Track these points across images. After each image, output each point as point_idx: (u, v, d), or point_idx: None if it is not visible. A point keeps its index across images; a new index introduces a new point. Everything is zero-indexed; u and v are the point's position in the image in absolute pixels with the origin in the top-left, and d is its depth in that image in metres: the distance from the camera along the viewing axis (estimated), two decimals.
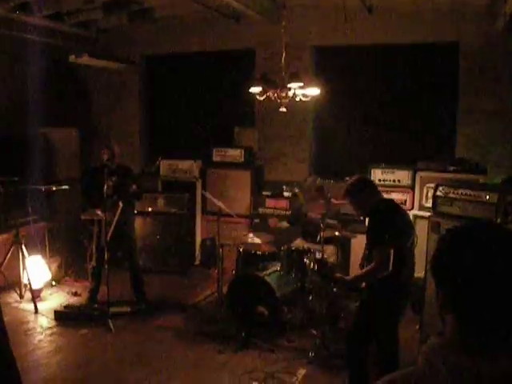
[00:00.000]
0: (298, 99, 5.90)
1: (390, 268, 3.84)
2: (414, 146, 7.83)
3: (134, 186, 6.42)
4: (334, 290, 5.62)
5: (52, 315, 6.19)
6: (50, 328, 5.94)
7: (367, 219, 4.65)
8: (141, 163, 9.39)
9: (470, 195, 5.17)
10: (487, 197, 5.03)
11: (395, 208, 4.27)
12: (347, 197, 4.34)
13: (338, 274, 4.59)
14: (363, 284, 4.27)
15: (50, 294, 7.01)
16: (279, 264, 6.03)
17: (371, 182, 4.47)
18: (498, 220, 4.98)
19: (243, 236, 6.64)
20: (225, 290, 6.11)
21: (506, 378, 1.25)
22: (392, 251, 3.85)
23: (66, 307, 6.38)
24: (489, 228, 1.43)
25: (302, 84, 5.69)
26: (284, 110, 5.84)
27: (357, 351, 4.21)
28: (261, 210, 7.88)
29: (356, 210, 4.41)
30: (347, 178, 7.56)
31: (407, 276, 4.11)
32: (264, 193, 8.03)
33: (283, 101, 5.85)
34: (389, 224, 4.00)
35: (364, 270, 4.12)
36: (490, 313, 1.33)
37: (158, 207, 8.06)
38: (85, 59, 7.59)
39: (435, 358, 1.33)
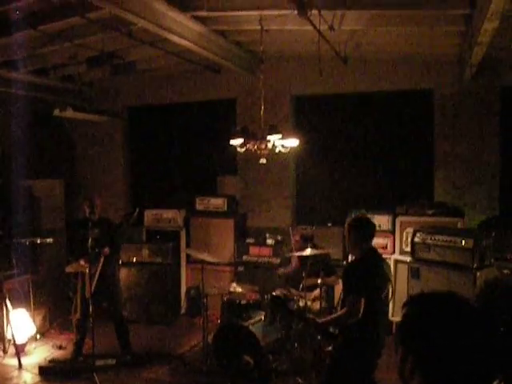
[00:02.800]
0: (277, 150, 6.05)
1: (359, 316, 3.96)
2: (394, 191, 8.00)
3: (107, 250, 6.40)
4: (318, 337, 5.67)
5: (37, 370, 6.14)
6: None
7: (348, 261, 4.75)
8: (124, 213, 9.45)
9: (447, 241, 5.33)
10: (463, 242, 5.18)
11: (378, 260, 4.39)
12: (348, 227, 4.41)
13: (311, 316, 4.68)
14: (335, 331, 4.36)
15: (35, 348, 6.94)
16: (263, 313, 6.08)
17: (373, 226, 4.51)
18: (475, 265, 5.12)
19: (227, 285, 6.70)
20: (210, 339, 6.12)
21: None
22: (364, 302, 3.97)
23: (50, 361, 6.36)
24: (450, 297, 1.54)
25: (280, 136, 5.85)
26: (264, 161, 5.99)
27: None
28: (245, 258, 7.96)
29: (349, 244, 4.49)
30: (329, 224, 7.76)
31: (378, 325, 4.20)
32: (247, 240, 8.13)
33: (263, 152, 6.00)
34: (367, 277, 4.12)
35: (335, 315, 4.28)
36: (457, 378, 1.43)
37: (143, 257, 8.10)
38: (69, 113, 7.71)
39: None
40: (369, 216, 7.05)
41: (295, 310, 5.03)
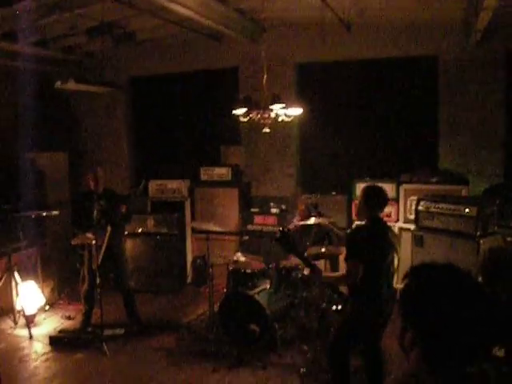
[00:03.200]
0: (280, 119, 6.02)
1: (356, 280, 4.07)
2: (398, 159, 7.98)
3: (124, 208, 6.51)
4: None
5: (47, 340, 6.25)
6: (45, 354, 5.99)
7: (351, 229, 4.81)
8: (130, 184, 9.49)
9: (451, 209, 5.33)
10: (467, 210, 5.19)
11: (382, 228, 4.41)
12: (362, 193, 4.50)
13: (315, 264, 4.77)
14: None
15: (44, 319, 7.06)
16: (269, 281, 6.14)
17: (385, 199, 4.52)
18: (478, 232, 5.13)
19: (232, 255, 6.76)
20: (216, 308, 6.20)
21: None
22: (363, 267, 4.03)
23: (60, 332, 6.46)
24: (450, 269, 1.56)
25: (283, 105, 5.81)
26: (267, 130, 5.96)
27: (338, 358, 4.38)
28: (250, 227, 8.00)
29: (358, 212, 4.65)
30: (333, 193, 7.77)
31: (382, 291, 4.25)
32: (252, 210, 8.16)
33: (266, 121, 5.97)
34: (367, 243, 4.18)
35: (335, 274, 4.38)
36: (456, 352, 1.45)
37: (148, 228, 8.16)
38: (70, 85, 7.66)
39: None
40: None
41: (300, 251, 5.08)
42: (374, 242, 4.26)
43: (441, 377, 1.47)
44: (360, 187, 7.25)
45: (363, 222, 4.49)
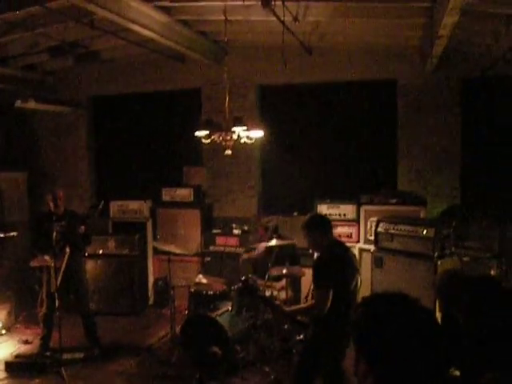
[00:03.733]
0: (242, 141, 6.06)
1: (325, 310, 4.03)
2: (358, 181, 8.12)
3: (83, 228, 6.41)
4: (286, 326, 5.77)
5: (2, 366, 6.07)
6: (0, 380, 5.83)
7: (315, 256, 4.80)
8: (90, 204, 9.36)
9: (409, 231, 5.45)
10: (424, 232, 5.31)
11: (342, 252, 4.44)
12: (303, 230, 4.48)
13: (277, 302, 4.76)
14: (305, 320, 4.44)
15: (0, 343, 6.88)
16: (230, 303, 6.13)
17: (328, 221, 4.57)
18: (436, 253, 5.25)
19: (194, 276, 6.74)
20: (178, 330, 6.15)
21: None
22: (332, 294, 4.03)
23: (16, 357, 6.29)
24: (403, 300, 1.60)
25: (245, 127, 5.86)
26: (229, 152, 5.99)
27: None
28: (211, 248, 7.99)
29: (310, 245, 4.57)
30: (295, 213, 7.84)
31: (348, 316, 4.28)
32: (214, 231, 8.16)
33: (228, 144, 6.00)
34: (333, 270, 4.17)
35: (302, 306, 4.37)
36: (408, 378, 1.49)
37: (109, 249, 8.05)
38: (30, 104, 7.60)
39: None
40: (334, 205, 7.28)
41: (263, 296, 5.09)
42: (340, 268, 4.27)
43: None
44: (321, 208, 7.36)
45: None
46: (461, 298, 3.13)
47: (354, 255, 4.67)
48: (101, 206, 6.37)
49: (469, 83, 7.57)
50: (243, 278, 5.71)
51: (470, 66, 7.31)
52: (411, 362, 1.47)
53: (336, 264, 4.23)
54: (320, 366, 4.35)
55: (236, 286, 6.12)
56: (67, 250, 6.17)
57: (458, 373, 3.42)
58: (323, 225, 4.46)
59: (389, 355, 1.48)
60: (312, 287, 4.46)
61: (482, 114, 7.54)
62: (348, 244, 6.81)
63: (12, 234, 7.27)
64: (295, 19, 5.96)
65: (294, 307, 4.54)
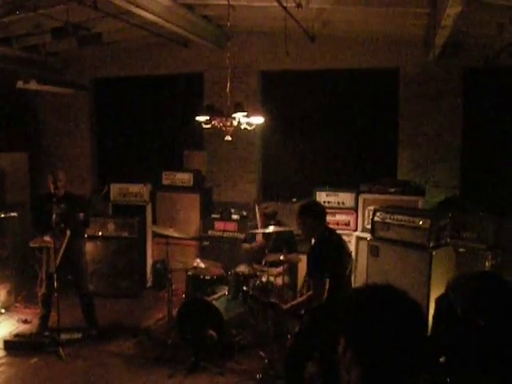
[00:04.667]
0: (242, 127, 6.08)
1: (324, 298, 4.06)
2: (358, 169, 8.14)
3: (82, 215, 6.46)
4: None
5: (1, 345, 6.16)
6: None
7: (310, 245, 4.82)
8: (92, 186, 9.42)
9: (405, 220, 5.48)
10: (420, 222, 5.34)
11: (337, 239, 4.48)
12: (298, 216, 4.51)
13: (275, 300, 4.80)
14: (302, 311, 4.48)
15: (0, 322, 6.97)
16: (227, 288, 6.20)
17: (323, 209, 4.61)
18: (431, 244, 5.28)
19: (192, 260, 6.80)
20: (175, 313, 6.23)
21: None
22: (328, 281, 4.07)
23: (15, 336, 6.37)
24: (391, 291, 1.64)
25: (245, 113, 5.87)
26: (229, 138, 6.00)
27: (295, 369, 4.43)
28: (210, 233, 8.05)
29: (303, 232, 4.60)
30: (294, 200, 7.87)
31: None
32: (213, 215, 8.20)
33: (228, 129, 6.02)
34: (328, 256, 4.22)
35: (300, 299, 4.41)
36: (395, 369, 1.53)
37: (109, 231, 8.10)
38: (32, 85, 7.59)
39: None
40: (333, 193, 7.31)
41: (263, 300, 5.17)
42: (337, 255, 4.32)
43: None
44: (320, 195, 7.39)
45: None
46: (462, 295, 3.15)
47: (345, 242, 4.68)
48: (105, 191, 6.38)
49: (471, 73, 7.56)
50: (245, 289, 5.76)
51: (473, 55, 7.30)
52: (398, 352, 1.51)
53: (332, 251, 4.27)
54: (312, 352, 4.43)
55: (233, 270, 6.19)
56: (68, 232, 6.23)
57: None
58: (318, 212, 4.49)
59: (376, 345, 1.52)
60: (306, 278, 4.51)
61: (485, 104, 7.53)
62: (346, 232, 6.97)
63: (13, 214, 7.31)
64: (298, 5, 5.94)
65: (293, 302, 4.56)
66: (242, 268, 6.47)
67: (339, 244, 4.46)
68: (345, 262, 4.37)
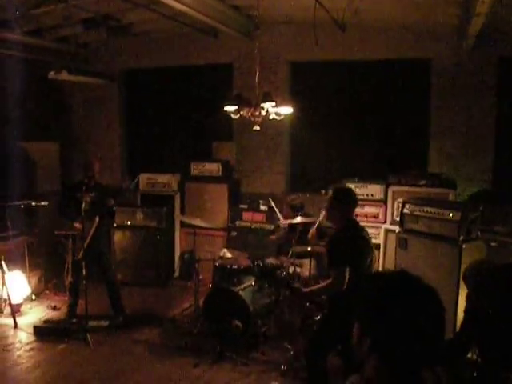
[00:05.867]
0: (271, 117, 6.04)
1: (343, 287, 4.02)
2: (388, 161, 8.01)
3: (113, 201, 6.54)
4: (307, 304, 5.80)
5: (31, 330, 6.28)
6: (29, 343, 6.02)
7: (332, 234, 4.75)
8: (122, 176, 9.49)
9: (435, 213, 5.37)
10: (451, 215, 5.23)
11: (359, 230, 4.42)
12: (329, 201, 4.43)
13: (297, 284, 4.77)
14: (322, 297, 4.45)
15: (30, 309, 7.10)
16: (254, 278, 6.18)
17: (355, 199, 4.52)
18: (461, 237, 5.17)
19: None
20: (201, 303, 6.24)
21: None
22: (349, 270, 4.03)
23: (45, 322, 6.50)
24: (406, 277, 1.60)
25: (274, 103, 5.83)
26: (258, 128, 5.98)
27: (317, 360, 4.39)
28: (238, 223, 8.05)
29: (330, 217, 4.52)
30: (323, 191, 7.80)
31: None
32: (241, 206, 8.20)
33: (256, 119, 5.99)
34: (349, 247, 4.16)
35: (319, 286, 4.36)
36: (412, 356, 1.50)
37: (137, 221, 8.18)
38: (63, 75, 7.68)
39: None
40: (362, 185, 7.21)
41: (283, 279, 5.14)
42: (357, 246, 4.25)
43: (398, 381, 1.51)
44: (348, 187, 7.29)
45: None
46: (490, 287, 3.09)
47: (368, 234, 4.59)
48: (135, 182, 6.43)
49: (507, 63, 7.34)
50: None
51: (508, 45, 7.09)
52: (415, 338, 1.48)
53: (354, 243, 4.22)
54: (333, 343, 4.39)
55: (260, 261, 6.17)
56: (96, 219, 6.30)
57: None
58: (350, 200, 4.42)
59: (392, 332, 1.49)
60: (327, 266, 4.46)
61: None
62: (374, 224, 6.88)
63: (43, 202, 7.42)
64: None
65: (313, 287, 4.52)
66: (270, 260, 6.44)
67: (361, 235, 4.38)
68: (365, 253, 4.30)
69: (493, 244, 5.76)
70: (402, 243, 5.71)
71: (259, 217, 7.93)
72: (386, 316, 1.50)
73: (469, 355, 3.49)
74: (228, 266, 6.42)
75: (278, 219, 6.84)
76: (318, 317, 5.66)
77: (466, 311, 3.60)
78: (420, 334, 1.48)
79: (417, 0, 6.47)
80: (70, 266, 6.58)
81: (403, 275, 1.60)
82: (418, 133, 7.96)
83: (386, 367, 1.52)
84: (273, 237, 7.10)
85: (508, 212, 6.03)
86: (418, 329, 1.48)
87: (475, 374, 2.99)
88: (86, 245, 6.18)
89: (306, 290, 4.53)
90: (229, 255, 6.58)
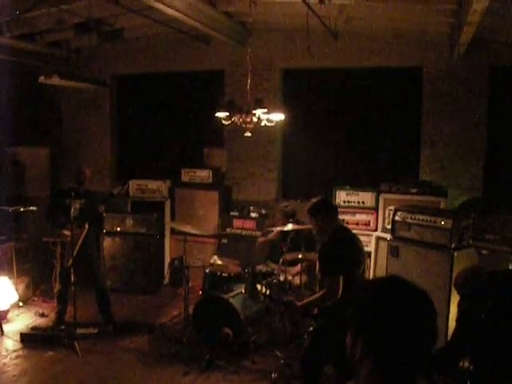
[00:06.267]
0: (262, 124, 6.02)
1: (338, 296, 3.98)
2: (379, 168, 8.02)
3: (103, 207, 6.50)
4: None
5: (18, 337, 6.18)
6: (15, 351, 5.92)
7: (322, 243, 4.73)
8: (111, 182, 9.43)
9: (427, 221, 5.36)
10: (442, 222, 5.22)
11: (350, 237, 4.40)
12: (308, 216, 4.43)
13: (290, 298, 4.73)
14: (315, 310, 4.40)
15: (17, 315, 7.00)
16: (244, 286, 6.13)
17: (334, 206, 4.56)
18: (453, 245, 5.16)
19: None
20: (192, 310, 6.18)
21: None
22: (342, 279, 3.99)
23: (32, 329, 6.41)
24: (399, 282, 1.58)
25: (266, 110, 5.81)
26: (249, 135, 5.95)
27: (313, 370, 4.34)
28: (228, 230, 8.01)
29: (316, 230, 4.51)
30: (313, 199, 7.77)
31: None
32: (232, 213, 8.16)
33: (248, 126, 5.97)
34: (342, 254, 4.14)
35: (314, 297, 4.32)
36: (405, 361, 1.48)
37: (127, 227, 8.11)
38: (54, 80, 7.61)
39: None
40: (353, 192, 7.21)
41: (276, 298, 5.11)
42: (350, 252, 4.23)
43: None
44: (340, 194, 7.29)
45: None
46: (485, 295, 3.07)
47: (359, 240, 4.57)
48: (126, 186, 6.38)
49: (497, 72, 7.38)
50: (259, 287, 5.69)
51: (499, 54, 7.14)
52: (409, 343, 1.46)
53: (345, 249, 4.19)
54: (329, 352, 4.33)
55: (250, 268, 6.13)
56: (86, 226, 6.24)
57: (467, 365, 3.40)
58: (329, 209, 4.41)
59: (387, 338, 1.47)
60: (319, 276, 4.42)
61: (510, 104, 7.35)
62: (366, 232, 6.87)
63: (32, 208, 7.35)
64: (321, 1, 5.86)
65: (307, 300, 4.47)
66: (260, 267, 6.40)
67: (352, 242, 4.36)
68: (358, 259, 4.28)
69: (484, 252, 5.76)
70: (394, 251, 5.70)
71: (250, 224, 7.90)
72: (378, 318, 1.49)
73: (461, 364, 3.47)
74: (218, 273, 6.38)
75: (272, 225, 6.79)
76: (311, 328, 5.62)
77: (458, 320, 3.58)
78: (413, 337, 1.47)
79: (409, 8, 6.49)
80: (58, 273, 6.50)
81: (395, 279, 1.60)
82: (410, 140, 7.97)
83: (379, 372, 1.50)
84: (261, 239, 7.03)
85: (499, 220, 6.03)
86: (410, 331, 1.47)
87: (468, 383, 2.96)
88: (75, 252, 6.11)
89: (301, 303, 4.49)
90: (219, 262, 6.54)
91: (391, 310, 1.49)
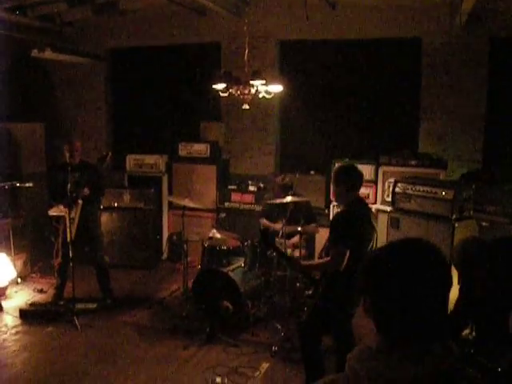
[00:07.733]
0: (261, 96, 5.94)
1: (341, 268, 3.95)
2: (378, 141, 7.93)
3: (88, 191, 6.32)
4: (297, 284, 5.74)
5: (17, 313, 6.17)
6: (14, 327, 5.92)
7: (335, 211, 4.66)
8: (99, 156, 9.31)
9: (427, 192, 5.32)
10: (443, 193, 5.18)
11: (364, 213, 4.31)
12: (334, 178, 4.32)
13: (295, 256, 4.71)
14: (316, 275, 4.37)
15: (16, 292, 6.98)
16: (243, 259, 6.11)
17: (361, 177, 4.36)
18: (454, 216, 5.13)
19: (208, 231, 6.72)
20: (191, 284, 6.16)
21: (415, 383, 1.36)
22: (349, 252, 3.94)
23: (31, 305, 6.39)
24: (411, 245, 1.53)
25: (264, 81, 5.73)
26: (247, 107, 5.88)
27: (310, 341, 4.34)
28: (226, 204, 7.97)
29: (335, 195, 4.44)
30: (312, 172, 7.74)
31: None
32: (230, 187, 8.11)
33: (246, 97, 5.88)
34: (353, 228, 4.06)
35: (318, 262, 4.31)
36: (409, 324, 1.43)
37: (125, 202, 8.06)
38: (47, 54, 7.48)
39: (358, 365, 1.44)
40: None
41: (283, 252, 5.05)
42: (360, 227, 4.13)
43: (400, 351, 1.44)
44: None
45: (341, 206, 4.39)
46: (485, 261, 3.03)
47: (374, 214, 4.52)
48: (108, 157, 6.23)
49: (498, 43, 7.26)
50: (263, 228, 5.65)
51: (500, 24, 7.00)
52: (410, 309, 1.42)
53: (357, 222, 4.11)
54: (328, 324, 4.32)
55: (249, 242, 6.10)
56: (79, 201, 6.16)
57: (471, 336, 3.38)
58: (357, 177, 4.30)
59: (387, 300, 1.43)
60: (327, 244, 4.38)
61: (510, 75, 7.26)
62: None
63: (28, 184, 7.28)
64: None
65: (309, 262, 4.46)
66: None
67: (366, 217, 4.28)
68: (367, 237, 4.21)
69: (484, 224, 5.73)
70: (394, 222, 5.67)
71: (248, 198, 7.86)
72: (382, 281, 1.45)
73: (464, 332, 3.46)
74: (217, 247, 6.34)
75: (270, 198, 6.72)
76: (309, 292, 5.59)
77: (461, 289, 3.55)
78: (421, 301, 1.42)
79: None
80: (59, 247, 6.45)
81: (406, 238, 1.55)
82: (409, 112, 7.88)
83: (384, 337, 1.47)
84: (264, 221, 6.92)
85: (499, 192, 5.98)
86: (418, 295, 1.42)
87: (472, 351, 2.94)
88: (75, 226, 6.06)
89: (304, 263, 4.45)
90: (218, 236, 6.50)
91: (395, 276, 1.44)
